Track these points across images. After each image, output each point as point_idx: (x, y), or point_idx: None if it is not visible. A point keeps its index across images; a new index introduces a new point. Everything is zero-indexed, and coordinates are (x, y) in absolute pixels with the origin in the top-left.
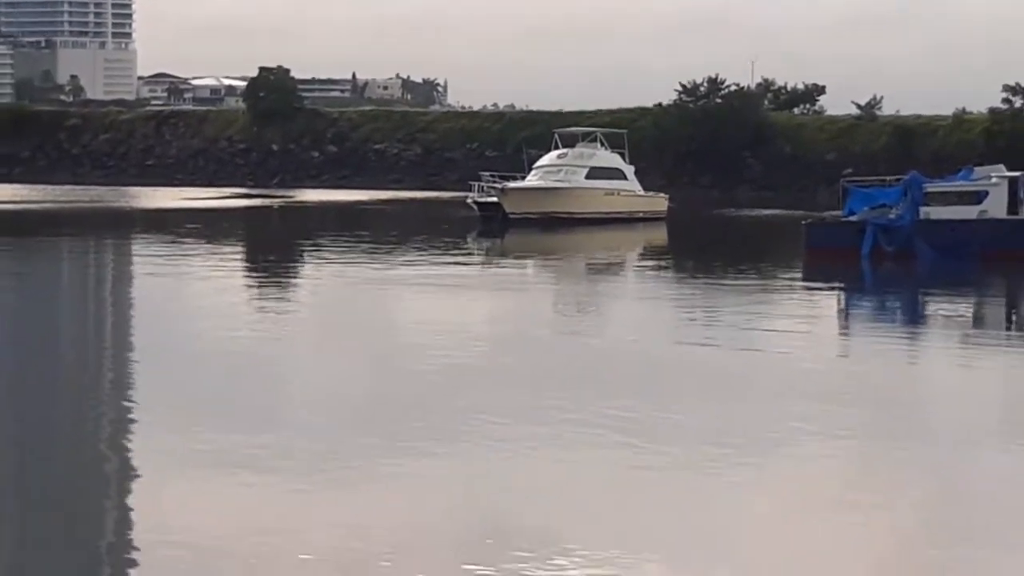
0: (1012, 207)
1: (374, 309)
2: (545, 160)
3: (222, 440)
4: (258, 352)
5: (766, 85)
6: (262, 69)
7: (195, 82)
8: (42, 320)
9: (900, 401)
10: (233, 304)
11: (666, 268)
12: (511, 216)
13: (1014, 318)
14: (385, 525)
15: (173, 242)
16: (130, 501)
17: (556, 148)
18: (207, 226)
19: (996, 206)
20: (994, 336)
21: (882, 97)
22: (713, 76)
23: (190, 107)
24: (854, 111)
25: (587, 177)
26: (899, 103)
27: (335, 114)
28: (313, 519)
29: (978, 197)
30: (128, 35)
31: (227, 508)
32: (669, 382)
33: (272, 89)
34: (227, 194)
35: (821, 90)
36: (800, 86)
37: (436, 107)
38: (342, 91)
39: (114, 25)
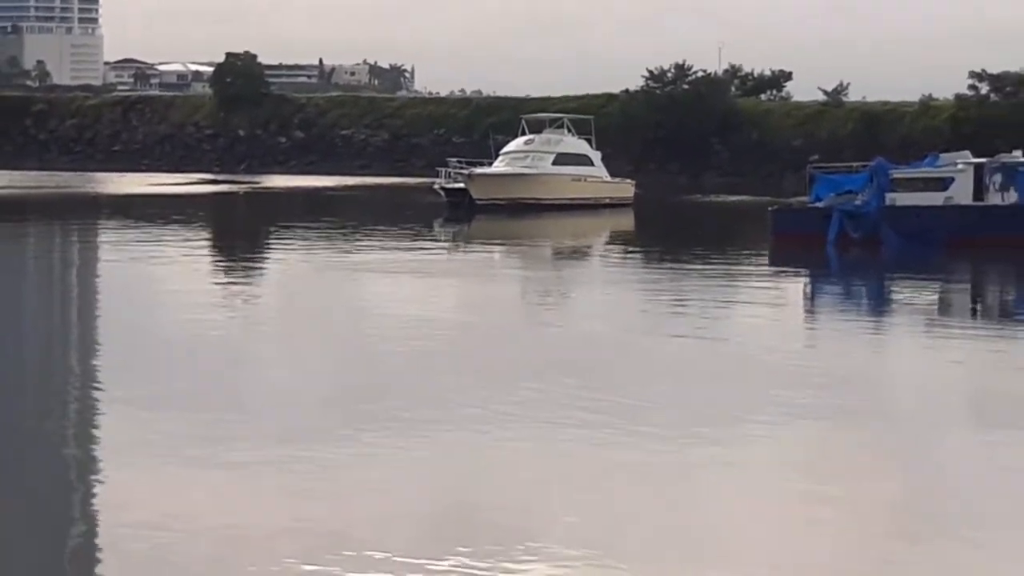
0: (978, 194)
1: (339, 295)
2: (512, 146)
3: (182, 423)
4: (222, 337)
5: (733, 71)
6: (229, 55)
7: (162, 67)
8: (3, 305)
9: (864, 385)
10: (198, 290)
11: (633, 254)
12: (478, 202)
13: (979, 304)
14: (350, 509)
15: (139, 227)
16: (95, 485)
17: (523, 134)
18: (174, 212)
19: (962, 192)
20: (959, 322)
21: (848, 83)
22: (680, 62)
23: (157, 92)
24: (821, 97)
25: (554, 163)
26: (865, 89)
27: (302, 100)
28: (273, 505)
29: (944, 184)
30: (95, 20)
31: (189, 493)
32: (635, 368)
33: (239, 75)
34: (194, 180)
35: (788, 76)
36: (767, 72)
37: (403, 93)
38: (309, 77)
39: (80, 10)
